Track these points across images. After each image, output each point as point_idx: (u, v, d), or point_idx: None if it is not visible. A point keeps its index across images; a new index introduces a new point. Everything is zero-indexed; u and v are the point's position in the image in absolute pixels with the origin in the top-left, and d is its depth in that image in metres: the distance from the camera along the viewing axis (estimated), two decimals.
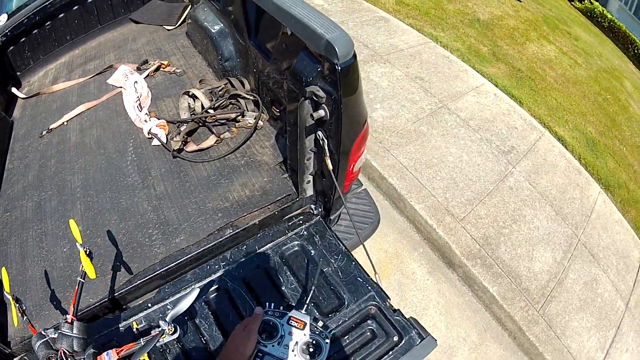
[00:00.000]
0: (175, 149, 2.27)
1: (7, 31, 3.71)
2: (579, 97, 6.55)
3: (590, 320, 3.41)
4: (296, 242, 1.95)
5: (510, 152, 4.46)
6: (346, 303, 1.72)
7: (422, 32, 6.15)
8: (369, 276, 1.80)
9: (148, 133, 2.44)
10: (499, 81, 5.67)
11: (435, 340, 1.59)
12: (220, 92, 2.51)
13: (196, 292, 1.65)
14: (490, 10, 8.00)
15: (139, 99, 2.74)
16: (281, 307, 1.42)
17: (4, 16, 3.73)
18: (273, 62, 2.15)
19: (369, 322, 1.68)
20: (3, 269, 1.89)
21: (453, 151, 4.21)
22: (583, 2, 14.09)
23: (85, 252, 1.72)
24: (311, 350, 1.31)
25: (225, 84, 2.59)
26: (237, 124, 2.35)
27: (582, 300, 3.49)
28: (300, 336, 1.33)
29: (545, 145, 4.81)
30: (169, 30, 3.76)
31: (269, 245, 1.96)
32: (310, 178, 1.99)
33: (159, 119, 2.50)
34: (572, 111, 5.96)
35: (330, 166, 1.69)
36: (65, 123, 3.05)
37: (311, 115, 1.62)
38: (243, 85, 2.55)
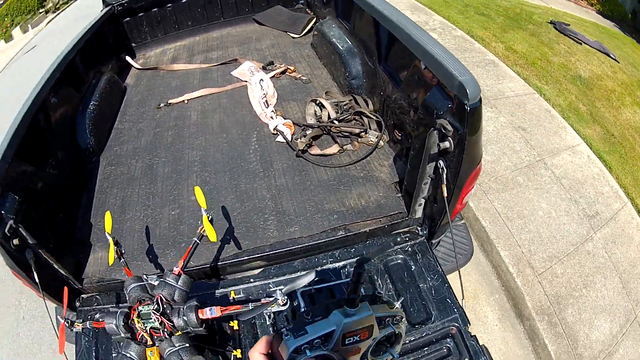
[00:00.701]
0: (300, 149, 2.45)
1: (124, 2, 4.03)
2: None
3: None
4: (400, 256, 2.08)
5: (594, 217, 4.40)
6: (432, 318, 1.84)
7: (528, 81, 6.18)
8: (457, 300, 1.90)
9: (274, 129, 2.64)
10: (593, 143, 5.58)
11: None
12: (345, 107, 2.68)
13: (313, 274, 1.79)
14: (591, 69, 7.87)
15: (265, 96, 2.96)
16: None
17: None
18: (402, 90, 2.29)
19: (448, 340, 1.80)
20: (108, 212, 2.09)
21: (544, 206, 4.23)
22: None
23: (208, 217, 1.86)
24: None
25: (350, 100, 2.76)
26: (359, 139, 2.51)
27: None
28: None
29: (625, 217, 4.69)
30: (293, 37, 3.99)
31: (375, 252, 2.11)
32: (423, 202, 2.11)
33: (285, 118, 2.69)
34: None
35: (445, 193, 1.80)
36: (186, 101, 3.31)
37: (438, 144, 1.74)
38: (367, 104, 2.71)
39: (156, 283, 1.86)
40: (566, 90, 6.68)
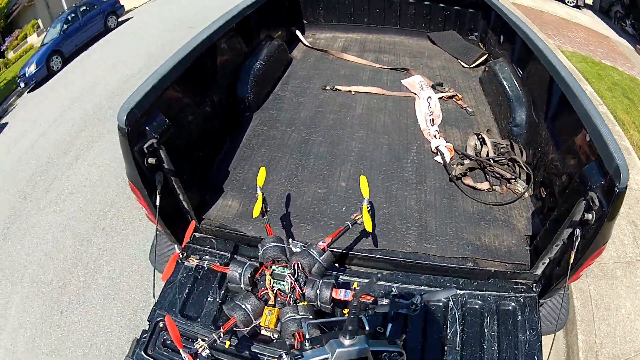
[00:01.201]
0: (455, 174, 2.76)
1: None
2: None
3: None
4: (512, 304, 2.25)
5: None
6: None
7: None
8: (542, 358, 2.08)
9: (435, 148, 2.97)
10: None
11: None
12: (502, 149, 2.97)
13: (454, 291, 1.99)
14: None
15: (432, 114, 3.29)
16: None
17: None
18: (561, 153, 2.47)
19: None
20: (263, 168, 2.27)
21: (627, 305, 4.29)
22: None
23: (367, 208, 2.07)
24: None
25: (507, 144, 3.02)
26: (508, 184, 2.79)
27: None
28: None
29: None
30: (463, 66, 4.25)
31: (494, 293, 2.28)
32: (547, 261, 2.28)
33: (447, 141, 3.02)
34: None
35: (571, 260, 1.97)
36: (353, 93, 3.65)
37: (582, 214, 1.93)
38: (522, 153, 2.96)
39: (297, 250, 1.97)
40: None
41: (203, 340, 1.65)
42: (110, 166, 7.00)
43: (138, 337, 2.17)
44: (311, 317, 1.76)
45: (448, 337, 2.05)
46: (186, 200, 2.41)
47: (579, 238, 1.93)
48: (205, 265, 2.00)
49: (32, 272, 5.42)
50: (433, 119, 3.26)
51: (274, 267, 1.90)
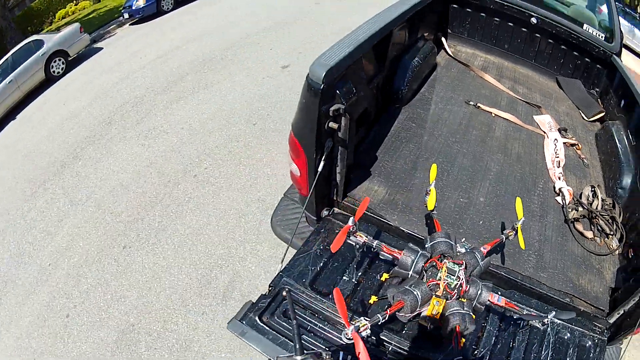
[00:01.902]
0: (570, 218, 3.35)
1: None
2: None
3: None
4: (589, 342, 2.49)
5: None
6: None
7: None
8: None
9: (558, 189, 3.56)
10: None
11: None
12: (606, 206, 3.56)
13: (573, 314, 2.32)
14: None
15: (558, 157, 3.88)
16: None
17: None
18: None
19: None
20: (434, 165, 2.47)
21: None
22: None
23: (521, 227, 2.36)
24: None
25: (610, 203, 3.58)
26: (606, 238, 3.36)
27: None
28: None
29: None
30: (584, 119, 4.75)
31: (578, 328, 2.55)
32: (622, 312, 2.54)
33: (568, 186, 3.62)
34: None
35: None
36: (494, 115, 4.10)
37: None
38: (620, 214, 3.52)
39: (463, 250, 2.17)
40: None
41: (366, 320, 1.71)
42: (215, 115, 6.65)
43: (254, 301, 2.15)
44: (472, 313, 1.95)
45: (542, 357, 2.34)
46: (341, 173, 2.50)
47: None
48: (374, 245, 2.10)
49: (99, 197, 5.13)
50: (559, 161, 3.83)
51: (446, 261, 2.06)
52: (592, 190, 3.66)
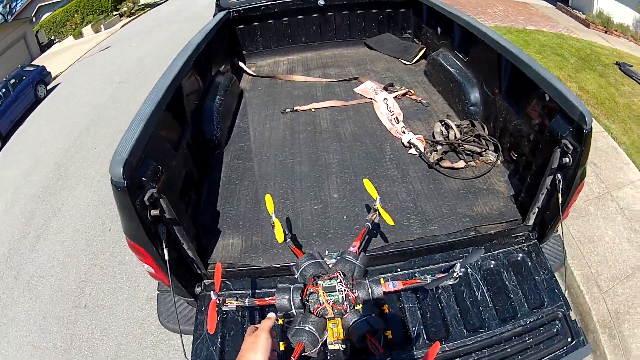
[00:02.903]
0: (432, 161, 3.11)
1: (240, 9, 4.58)
2: None
3: None
4: (520, 254, 2.57)
5: None
6: (545, 304, 2.32)
7: (598, 120, 6.92)
8: (562, 290, 2.40)
9: (407, 142, 3.31)
10: None
11: (591, 349, 2.23)
12: (465, 129, 3.38)
13: (482, 251, 2.25)
14: None
15: (393, 114, 3.66)
16: None
17: None
18: (524, 117, 2.88)
19: (556, 322, 2.28)
20: (268, 195, 2.43)
21: (609, 233, 4.89)
22: None
23: (380, 205, 2.31)
24: None
25: (468, 124, 3.44)
26: (480, 157, 3.19)
27: None
28: None
29: None
30: (405, 64, 4.66)
31: (501, 250, 2.61)
32: (536, 210, 2.64)
33: (415, 134, 3.37)
34: None
35: (560, 200, 2.30)
36: (313, 110, 3.90)
37: (560, 160, 2.31)
38: (483, 128, 3.39)
39: (334, 260, 2.09)
40: (630, 129, 7.33)
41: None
42: (74, 239, 6.73)
43: None
44: (374, 314, 1.88)
45: (479, 299, 2.34)
46: (191, 249, 2.44)
47: (562, 181, 2.31)
48: (247, 304, 2.00)
49: None
50: (396, 117, 3.62)
51: (320, 281, 1.97)
52: (442, 124, 3.47)
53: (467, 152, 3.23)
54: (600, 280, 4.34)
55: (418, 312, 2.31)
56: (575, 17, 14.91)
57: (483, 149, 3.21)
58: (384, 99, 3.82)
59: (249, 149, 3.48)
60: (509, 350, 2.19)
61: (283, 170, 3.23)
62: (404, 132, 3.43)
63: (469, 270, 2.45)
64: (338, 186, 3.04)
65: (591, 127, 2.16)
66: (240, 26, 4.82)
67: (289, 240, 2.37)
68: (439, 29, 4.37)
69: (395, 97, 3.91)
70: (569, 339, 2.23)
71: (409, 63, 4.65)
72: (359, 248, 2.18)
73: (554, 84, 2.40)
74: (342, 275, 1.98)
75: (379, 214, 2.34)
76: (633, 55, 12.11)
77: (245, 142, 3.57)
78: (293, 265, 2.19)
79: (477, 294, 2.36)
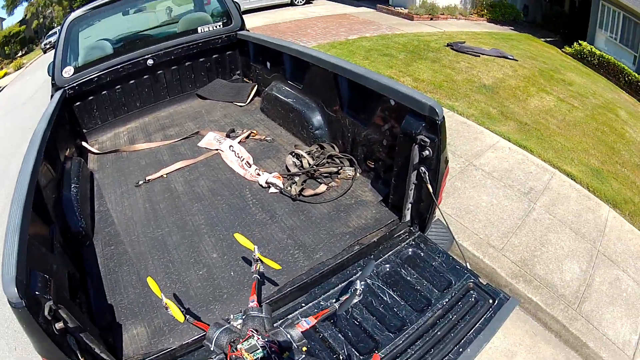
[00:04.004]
0: (294, 194, 3.10)
1: (74, 84, 4.40)
2: (579, 136, 7.87)
3: (620, 310, 4.32)
4: (409, 249, 2.70)
5: (529, 193, 5.58)
6: (453, 282, 2.45)
7: (441, 103, 7.39)
8: (462, 264, 2.56)
9: (265, 183, 3.27)
10: (511, 136, 6.83)
11: (517, 300, 2.41)
12: (316, 154, 3.44)
13: (373, 262, 2.37)
14: (493, 75, 9.35)
15: (243, 159, 3.61)
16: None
17: (70, 69, 4.39)
18: (372, 126, 3.03)
19: (471, 292, 2.44)
20: (149, 278, 2.36)
21: (484, 198, 5.19)
22: (572, 46, 15.62)
23: (260, 253, 2.32)
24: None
25: (317, 148, 3.51)
26: (339, 176, 3.25)
27: (610, 297, 4.41)
28: None
29: (557, 182, 6.00)
30: (240, 106, 4.68)
31: (391, 252, 2.71)
32: (410, 206, 2.80)
33: (270, 173, 3.34)
34: (575, 150, 7.24)
35: (431, 189, 2.53)
36: (165, 176, 3.76)
37: (420, 155, 2.48)
38: (333, 148, 3.48)
39: (240, 321, 2.07)
40: (475, 101, 8.01)
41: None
42: None
43: None
44: (304, 356, 1.90)
45: (389, 302, 2.40)
46: (103, 352, 2.28)
47: (427, 172, 2.49)
48: None
49: None
50: (247, 161, 3.58)
51: (239, 345, 1.92)
52: (293, 155, 3.50)
53: (325, 174, 3.27)
54: (492, 241, 4.65)
55: (339, 335, 2.32)
56: (398, 14, 16.29)
57: (339, 167, 3.28)
58: (230, 146, 3.77)
59: (116, 232, 3.30)
60: (438, 333, 2.26)
61: (156, 245, 3.10)
62: (258, 174, 3.39)
63: (369, 281, 2.51)
64: (214, 245, 2.96)
65: (443, 117, 2.32)
66: (77, 103, 4.57)
67: (188, 317, 2.26)
68: (268, 64, 4.47)
69: (239, 142, 3.88)
70: (491, 301, 2.37)
71: (244, 104, 4.69)
72: (258, 301, 2.17)
73: (396, 88, 2.56)
74: (256, 332, 1.95)
75: (262, 262, 2.35)
76: (464, 32, 13.52)
77: (110, 226, 3.38)
78: (204, 339, 2.11)
79: (385, 298, 2.43)
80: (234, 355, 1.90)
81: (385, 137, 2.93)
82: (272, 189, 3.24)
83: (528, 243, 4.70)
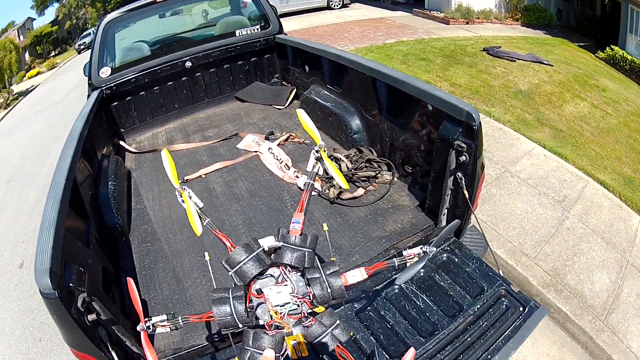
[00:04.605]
0: (332, 197, 3.18)
1: (112, 85, 4.56)
2: (612, 144, 7.72)
3: None
4: (444, 255, 2.72)
5: (564, 201, 5.54)
6: (485, 289, 2.47)
7: (477, 108, 7.39)
8: (495, 271, 2.56)
9: (304, 185, 3.27)
10: (546, 143, 6.78)
11: (546, 309, 2.43)
12: (354, 158, 3.52)
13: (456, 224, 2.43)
14: (529, 80, 9.27)
15: (281, 161, 3.72)
16: None
17: (107, 69, 4.55)
18: (410, 131, 3.10)
19: (502, 299, 2.46)
20: (165, 150, 2.49)
21: (519, 205, 5.19)
22: (605, 51, 15.28)
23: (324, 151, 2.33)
24: None
25: (355, 152, 3.59)
26: (376, 180, 3.33)
27: (637, 309, 4.32)
28: None
29: (590, 190, 5.92)
30: (279, 109, 4.80)
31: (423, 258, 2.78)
32: (446, 211, 2.83)
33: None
34: (608, 157, 7.11)
35: (467, 195, 2.52)
36: (204, 176, 3.87)
37: (457, 160, 2.53)
38: (371, 152, 3.55)
39: (272, 245, 1.81)
40: (512, 106, 7.93)
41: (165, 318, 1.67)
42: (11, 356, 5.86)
43: None
44: (339, 321, 1.70)
45: (422, 307, 2.43)
46: (134, 345, 2.36)
47: (463, 178, 2.51)
48: (181, 323, 1.87)
49: None
50: (286, 164, 3.68)
51: (265, 290, 1.72)
52: (332, 159, 3.53)
53: (363, 178, 3.34)
54: (525, 249, 4.65)
55: (371, 337, 2.33)
56: (434, 18, 16.23)
57: (377, 172, 3.35)
58: (269, 148, 3.87)
59: (153, 230, 3.41)
60: (468, 339, 2.28)
61: (192, 244, 3.17)
62: (297, 177, 3.49)
63: (403, 285, 2.53)
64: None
65: (480, 122, 2.37)
66: (115, 103, 4.74)
67: (207, 221, 2.07)
68: (306, 67, 4.56)
69: (278, 144, 3.98)
70: (521, 308, 2.37)
71: (282, 107, 4.78)
72: (303, 223, 1.89)
73: (433, 94, 2.62)
74: (289, 269, 1.74)
75: (323, 161, 2.19)
76: (499, 36, 13.39)
77: (147, 223, 3.49)
78: (225, 260, 1.99)
79: (418, 303, 2.46)
80: (256, 299, 1.71)
81: (422, 142, 3.00)
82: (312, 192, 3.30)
83: (560, 252, 4.68)
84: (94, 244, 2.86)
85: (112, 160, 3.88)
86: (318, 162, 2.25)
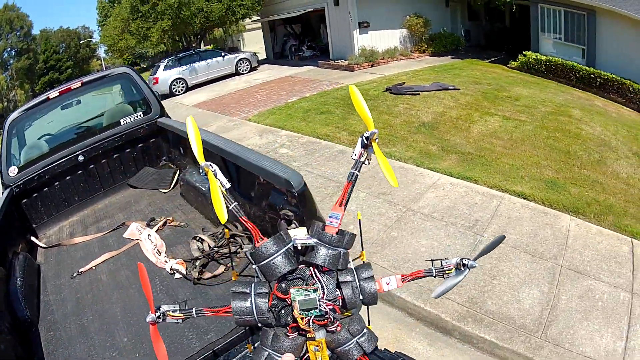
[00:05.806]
0: (195, 277, 3.43)
1: (19, 182, 4.82)
2: (530, 151, 7.94)
3: (598, 322, 4.17)
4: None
5: (474, 226, 5.64)
6: None
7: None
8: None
9: (170, 269, 3.64)
10: (452, 171, 7.03)
11: None
12: (220, 235, 3.83)
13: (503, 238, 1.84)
14: (433, 110, 9.75)
15: (156, 247, 4.02)
16: None
17: (14, 168, 4.83)
18: (254, 203, 3.34)
19: None
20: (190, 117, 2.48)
21: (424, 242, 5.36)
22: (517, 59, 16.07)
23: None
24: None
25: (223, 228, 3.86)
26: (238, 255, 3.59)
27: (583, 311, 4.29)
28: None
29: (506, 206, 6.04)
30: (164, 192, 5.09)
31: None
32: None
33: (176, 259, 3.71)
34: (525, 166, 7.29)
35: None
36: (94, 267, 4.13)
37: (286, 229, 2.56)
38: (236, 227, 3.82)
39: (304, 241, 1.57)
40: (414, 142, 8.28)
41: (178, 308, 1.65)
42: None
43: None
44: (366, 329, 1.55)
45: None
46: None
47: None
48: (194, 315, 1.75)
49: None
50: (158, 250, 3.96)
51: (292, 290, 1.54)
52: (197, 240, 3.86)
53: (226, 255, 3.62)
54: (433, 286, 4.45)
55: None
56: (339, 67, 16.92)
57: (238, 246, 3.63)
58: (148, 235, 4.15)
59: (55, 319, 3.56)
60: None
61: (82, 332, 3.30)
62: (166, 261, 3.76)
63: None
64: (126, 331, 3.17)
65: (303, 187, 2.44)
66: (24, 200, 4.93)
67: (234, 205, 1.81)
68: (181, 149, 4.91)
69: (157, 230, 4.28)
70: None
71: (167, 190, 5.08)
72: (342, 219, 1.67)
73: (259, 165, 2.76)
74: (320, 271, 1.57)
75: (371, 149, 1.83)
76: (404, 72, 14.03)
77: (51, 314, 3.65)
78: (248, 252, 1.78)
79: None
80: (279, 298, 1.58)
81: (265, 212, 3.19)
82: (177, 275, 3.58)
83: (476, 280, 4.65)
84: (5, 334, 3.02)
85: (21, 257, 4.09)
86: (365, 151, 1.84)
